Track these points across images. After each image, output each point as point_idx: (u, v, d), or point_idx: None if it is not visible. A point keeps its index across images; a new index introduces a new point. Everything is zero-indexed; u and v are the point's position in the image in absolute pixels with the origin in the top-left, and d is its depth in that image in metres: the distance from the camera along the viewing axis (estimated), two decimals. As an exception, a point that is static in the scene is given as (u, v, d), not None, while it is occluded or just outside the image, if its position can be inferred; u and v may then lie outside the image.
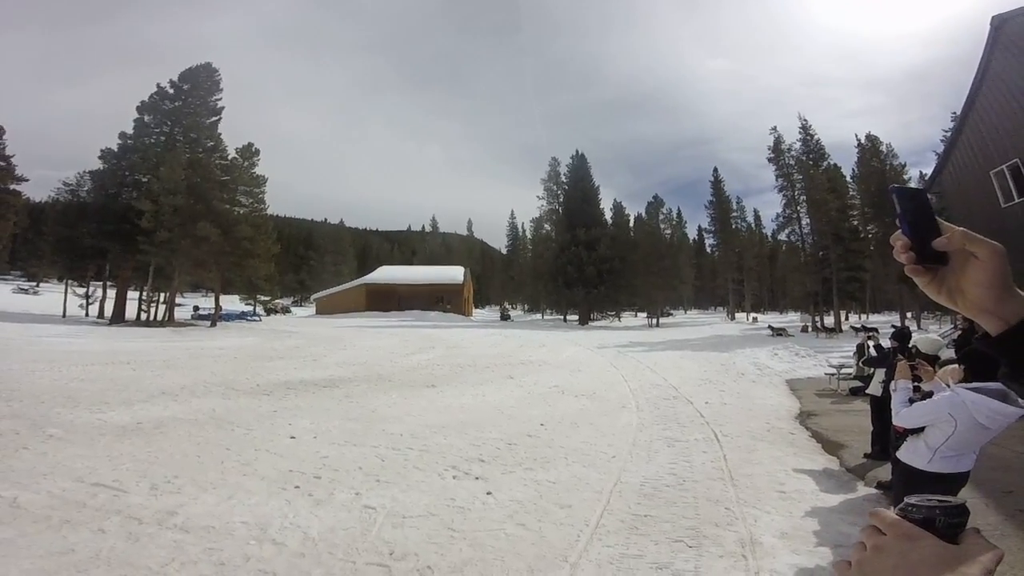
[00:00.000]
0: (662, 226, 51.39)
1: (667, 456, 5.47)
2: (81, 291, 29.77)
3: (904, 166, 33.87)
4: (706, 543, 3.36)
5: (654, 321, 41.16)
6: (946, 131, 29.95)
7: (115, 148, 27.92)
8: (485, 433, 6.33)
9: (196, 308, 34.77)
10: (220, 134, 29.49)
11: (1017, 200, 12.49)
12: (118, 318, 26.51)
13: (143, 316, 26.55)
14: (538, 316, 48.30)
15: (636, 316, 47.73)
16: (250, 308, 42.20)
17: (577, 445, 5.85)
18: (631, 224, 54.35)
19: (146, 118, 28.56)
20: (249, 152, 28.75)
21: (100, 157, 27.85)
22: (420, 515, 3.87)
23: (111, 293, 29.01)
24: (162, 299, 27.54)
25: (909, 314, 31.27)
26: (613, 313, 42.73)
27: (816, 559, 3.18)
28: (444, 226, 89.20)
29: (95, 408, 7.07)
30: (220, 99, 30.01)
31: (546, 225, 49.39)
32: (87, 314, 28.74)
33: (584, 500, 4.16)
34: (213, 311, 28.46)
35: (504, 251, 77.49)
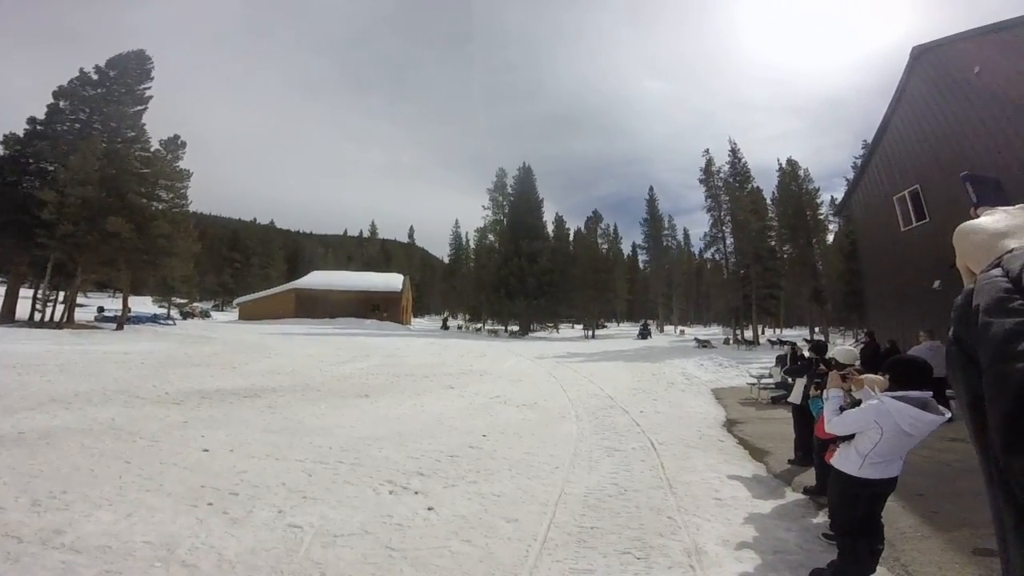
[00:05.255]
0: (599, 241, 53.20)
1: (608, 466, 5.49)
2: (-39, 287, 26.08)
3: (818, 190, 36.88)
4: (653, 554, 3.34)
5: (590, 333, 42.24)
6: (856, 158, 32.89)
7: (20, 134, 25.04)
8: (424, 445, 6.06)
9: (101, 309, 31.56)
10: (144, 124, 27.49)
11: (915, 224, 13.48)
12: (7, 317, 23.47)
13: (37, 316, 23.83)
14: (479, 326, 48.06)
15: (573, 328, 48.72)
16: (163, 311, 38.86)
17: (521, 456, 5.74)
18: (571, 238, 55.73)
19: (61, 104, 26.05)
20: (175, 145, 26.96)
21: (1, 143, 24.88)
22: (353, 533, 3.59)
23: (0, 290, 25.73)
24: (61, 298, 24.85)
25: (816, 328, 34.18)
26: (552, 325, 43.37)
27: (759, 566, 3.24)
28: (384, 232, 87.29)
29: (-37, 420, 6.08)
30: (149, 88, 27.92)
31: (490, 235, 49.36)
32: (-33, 313, 25.16)
33: (530, 513, 4.04)
34: (120, 313, 25.95)
35: (446, 260, 76.59)
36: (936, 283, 11.11)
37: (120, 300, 27.06)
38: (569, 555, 3.30)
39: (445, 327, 47.33)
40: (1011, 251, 0.40)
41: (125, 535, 3.41)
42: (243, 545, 3.35)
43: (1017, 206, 0.47)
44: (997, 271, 0.38)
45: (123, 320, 25.25)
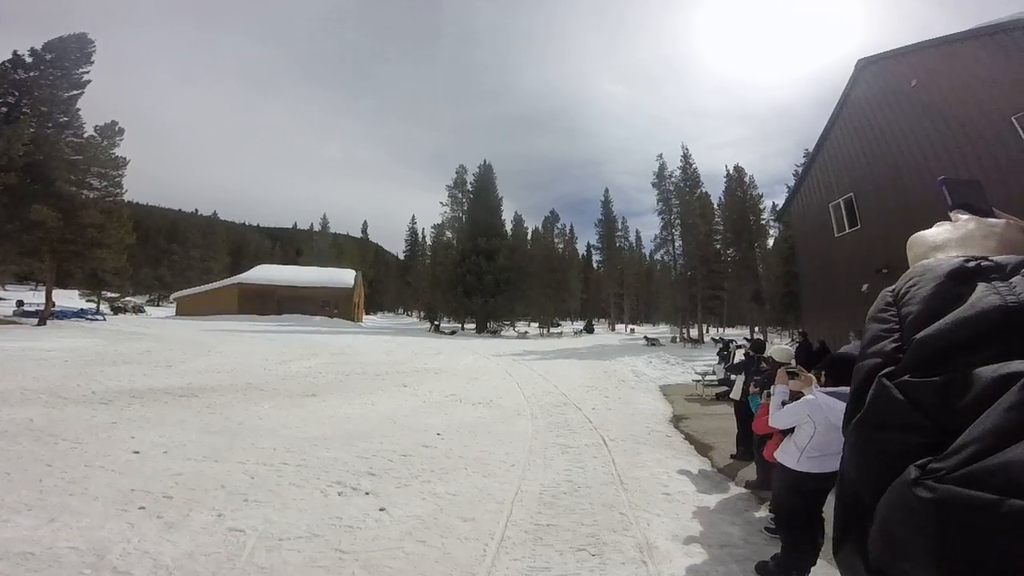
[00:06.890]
0: (556, 240, 53.90)
1: (562, 463, 5.54)
2: None
3: (761, 196, 38.79)
4: (607, 550, 3.39)
5: (545, 331, 42.73)
6: (798, 165, 34.66)
7: (-62, 118, 22.72)
8: (375, 445, 5.90)
9: (20, 303, 29.01)
10: (79, 110, 25.62)
11: (848, 230, 14.36)
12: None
13: (-57, 310, 21.60)
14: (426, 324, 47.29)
15: (529, 326, 49.11)
16: (92, 306, 36.01)
17: (476, 454, 5.69)
18: (529, 237, 56.09)
19: (-12, 86, 23.86)
20: (111, 131, 25.36)
21: (-84, 128, 22.44)
22: (300, 536, 3.45)
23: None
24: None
25: (757, 328, 36.05)
26: (508, 323, 43.49)
27: (707, 560, 3.36)
28: (336, 226, 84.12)
29: None
30: (87, 72, 26.05)
31: (448, 232, 48.73)
32: None
33: (487, 512, 4.01)
34: (43, 307, 23.87)
35: (402, 256, 75.02)
36: (864, 287, 11.92)
37: (43, 293, 24.93)
38: (527, 553, 3.31)
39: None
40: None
41: (48, 541, 3.18)
42: (180, 550, 3.17)
43: (965, 217, 0.47)
44: (893, 286, 0.43)
45: (46, 315, 23.25)
